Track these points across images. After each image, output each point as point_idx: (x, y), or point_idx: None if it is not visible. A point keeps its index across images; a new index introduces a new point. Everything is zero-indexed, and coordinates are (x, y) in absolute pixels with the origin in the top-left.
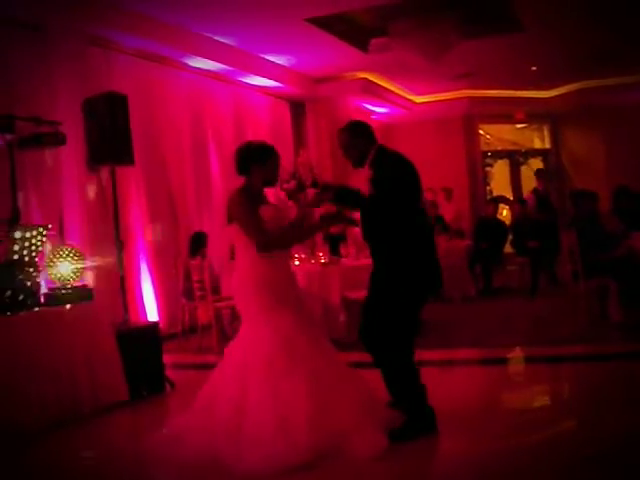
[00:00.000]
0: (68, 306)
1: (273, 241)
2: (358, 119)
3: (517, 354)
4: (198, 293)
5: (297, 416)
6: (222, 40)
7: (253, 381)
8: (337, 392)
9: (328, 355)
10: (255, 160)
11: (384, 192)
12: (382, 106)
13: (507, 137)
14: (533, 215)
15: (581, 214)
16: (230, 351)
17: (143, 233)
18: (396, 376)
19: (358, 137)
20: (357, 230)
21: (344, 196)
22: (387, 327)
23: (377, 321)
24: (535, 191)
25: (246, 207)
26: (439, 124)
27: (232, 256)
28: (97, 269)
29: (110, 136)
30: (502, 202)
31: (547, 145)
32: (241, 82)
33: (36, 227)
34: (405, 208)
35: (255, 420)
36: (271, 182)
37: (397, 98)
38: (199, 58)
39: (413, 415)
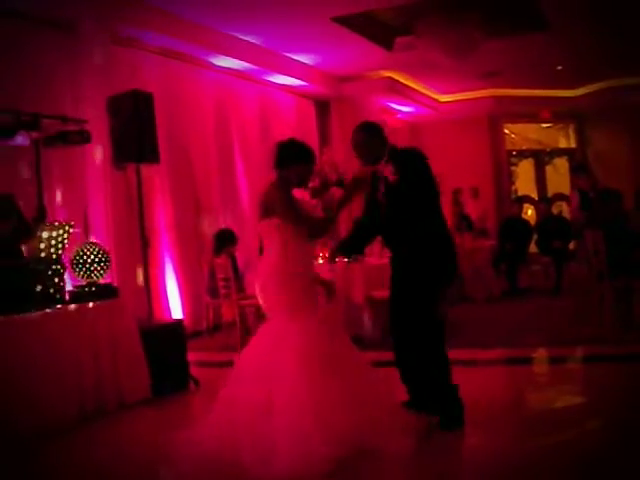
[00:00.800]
0: (93, 304)
1: (321, 225)
2: (371, 120)
3: (542, 354)
4: (223, 291)
5: (332, 414)
6: (247, 39)
7: (284, 380)
8: (366, 392)
9: (352, 355)
10: (298, 158)
11: (412, 186)
12: (407, 105)
13: (532, 136)
14: (574, 215)
15: (607, 213)
16: (252, 349)
17: (168, 231)
18: (431, 371)
19: (374, 137)
20: None
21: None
22: (420, 320)
23: (410, 315)
24: (579, 190)
25: (289, 201)
26: (464, 123)
27: (261, 253)
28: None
29: (135, 134)
30: (527, 202)
31: (572, 144)
32: (266, 81)
33: (61, 225)
34: (431, 199)
35: (287, 421)
36: (304, 183)
37: (422, 97)
38: (224, 57)
39: (445, 410)
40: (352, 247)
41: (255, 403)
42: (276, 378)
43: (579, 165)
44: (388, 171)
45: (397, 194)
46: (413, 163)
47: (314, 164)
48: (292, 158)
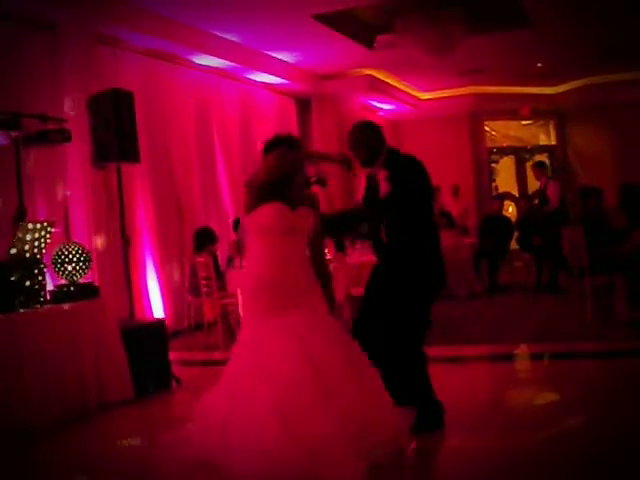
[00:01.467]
0: (74, 303)
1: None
2: (369, 119)
3: (524, 351)
4: (204, 290)
5: (263, 427)
6: (228, 37)
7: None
8: (316, 409)
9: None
10: (266, 150)
11: (404, 190)
12: (388, 103)
13: (513, 133)
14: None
15: (588, 211)
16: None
17: (149, 230)
18: (406, 373)
19: (371, 136)
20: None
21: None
22: (399, 324)
23: (386, 319)
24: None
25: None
26: (445, 121)
27: (238, 250)
28: (103, 266)
29: (116, 133)
30: (508, 199)
31: (553, 141)
32: (247, 79)
33: (42, 224)
34: (422, 206)
35: (233, 425)
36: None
37: (403, 95)
38: (205, 55)
39: (422, 410)
40: (339, 227)
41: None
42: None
43: (536, 162)
44: (381, 176)
45: (388, 200)
46: (407, 171)
47: (299, 151)
48: (265, 151)
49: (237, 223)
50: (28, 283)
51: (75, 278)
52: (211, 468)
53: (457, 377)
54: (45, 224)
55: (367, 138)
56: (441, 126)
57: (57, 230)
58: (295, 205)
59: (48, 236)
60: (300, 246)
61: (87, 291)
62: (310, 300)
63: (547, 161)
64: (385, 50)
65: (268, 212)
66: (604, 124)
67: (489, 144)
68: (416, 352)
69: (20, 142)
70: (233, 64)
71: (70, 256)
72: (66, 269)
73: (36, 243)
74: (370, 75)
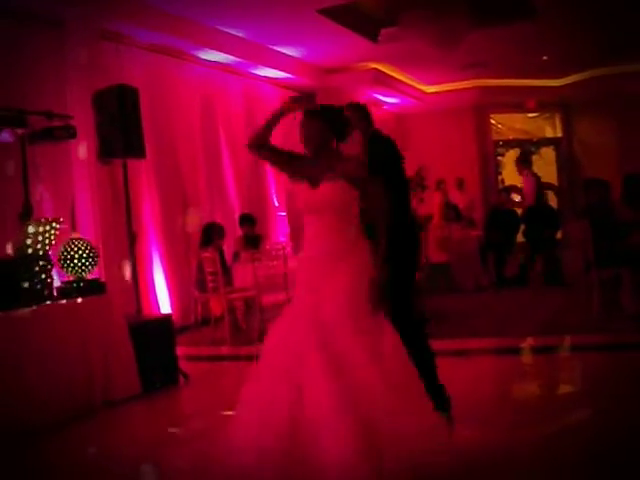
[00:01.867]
0: (81, 299)
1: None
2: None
3: (530, 344)
4: (211, 285)
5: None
6: (233, 32)
7: None
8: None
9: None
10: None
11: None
12: (393, 96)
13: (518, 126)
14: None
15: (593, 203)
16: None
17: (155, 225)
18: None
19: (362, 117)
20: None
21: None
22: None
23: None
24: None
25: None
26: (450, 114)
27: (244, 245)
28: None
29: (121, 129)
30: (514, 192)
31: (559, 134)
32: (252, 74)
33: (48, 221)
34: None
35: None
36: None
37: (408, 88)
38: (210, 50)
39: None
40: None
41: None
42: None
43: (520, 155)
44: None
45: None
46: (379, 151)
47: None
48: None
49: (243, 218)
50: (35, 279)
51: (82, 274)
52: (214, 466)
53: (463, 370)
54: (52, 221)
55: (357, 118)
56: (446, 119)
57: (63, 226)
58: (318, 181)
59: (54, 232)
60: (331, 221)
61: (94, 287)
62: (340, 269)
63: (554, 153)
64: (390, 43)
65: (298, 195)
66: (610, 116)
67: (495, 137)
68: (418, 339)
69: (25, 139)
70: (238, 59)
71: (80, 252)
72: (75, 265)
73: (40, 238)
74: (375, 69)
